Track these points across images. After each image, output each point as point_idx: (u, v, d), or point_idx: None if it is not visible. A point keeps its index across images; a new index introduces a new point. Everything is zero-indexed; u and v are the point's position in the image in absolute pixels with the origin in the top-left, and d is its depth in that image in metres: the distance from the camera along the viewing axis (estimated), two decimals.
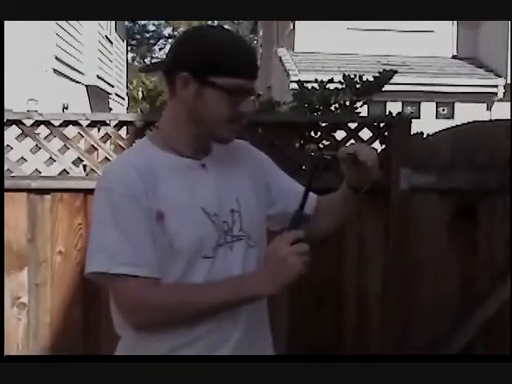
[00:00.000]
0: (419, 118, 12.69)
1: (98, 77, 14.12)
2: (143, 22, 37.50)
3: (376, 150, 1.71)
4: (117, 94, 17.74)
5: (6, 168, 3.54)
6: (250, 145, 1.87)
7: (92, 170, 3.59)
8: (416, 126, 3.70)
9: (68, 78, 11.90)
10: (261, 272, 1.58)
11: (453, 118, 12.95)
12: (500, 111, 12.59)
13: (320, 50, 13.52)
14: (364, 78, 4.11)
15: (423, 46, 13.89)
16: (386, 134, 3.62)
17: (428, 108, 13.30)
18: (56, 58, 10.88)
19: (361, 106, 4.13)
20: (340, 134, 3.64)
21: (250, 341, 1.67)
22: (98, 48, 14.26)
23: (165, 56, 1.70)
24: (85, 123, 3.57)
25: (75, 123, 3.57)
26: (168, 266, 1.58)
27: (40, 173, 3.59)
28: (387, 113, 4.08)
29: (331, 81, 4.14)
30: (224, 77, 1.57)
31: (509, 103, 12.48)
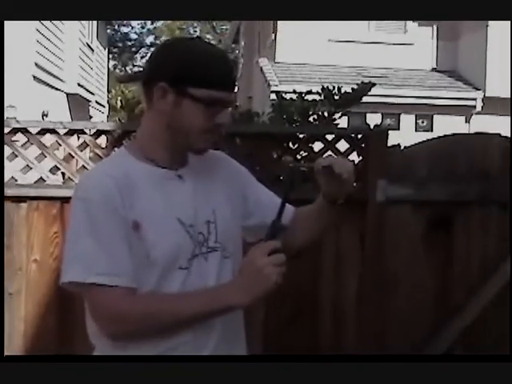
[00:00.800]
0: (399, 129, 12.78)
1: (79, 84, 14.06)
2: (125, 30, 37.52)
3: (352, 162, 1.71)
4: (97, 102, 17.67)
5: None
6: (227, 155, 1.88)
7: (69, 178, 3.58)
8: (395, 138, 3.73)
9: (48, 85, 11.84)
10: (236, 282, 1.58)
11: (432, 130, 13.04)
12: (478, 124, 12.69)
13: (301, 60, 13.57)
14: (342, 90, 4.14)
15: (403, 59, 14.00)
16: (363, 145, 3.64)
17: (407, 120, 13.39)
18: (36, 64, 10.82)
19: (339, 118, 4.15)
20: (318, 146, 3.66)
21: (225, 352, 1.67)
22: (79, 55, 14.20)
23: (144, 66, 1.71)
24: (62, 131, 3.56)
25: (53, 131, 3.55)
26: (143, 275, 1.58)
27: (16, 180, 3.57)
28: (365, 124, 4.11)
29: (310, 92, 4.16)
30: (201, 88, 1.58)
31: (487, 116, 12.62)
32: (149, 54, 1.73)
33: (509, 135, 3.81)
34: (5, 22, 8.85)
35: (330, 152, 3.63)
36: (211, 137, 1.65)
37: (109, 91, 19.47)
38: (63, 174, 3.65)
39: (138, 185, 1.60)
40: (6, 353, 3.49)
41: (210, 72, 1.58)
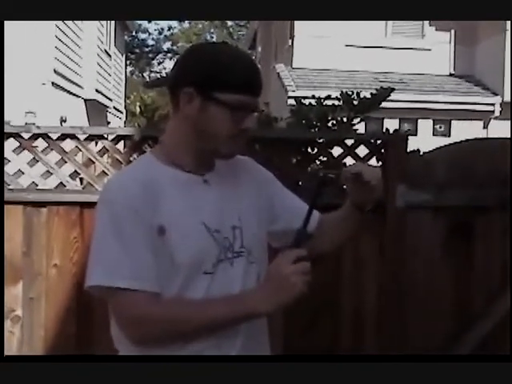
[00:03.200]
0: (416, 135, 12.73)
1: (97, 90, 14.15)
2: (142, 37, 37.66)
3: (379, 169, 1.71)
4: (115, 108, 17.77)
5: None
6: (253, 161, 1.88)
7: (89, 183, 3.59)
8: (413, 143, 3.71)
9: (66, 91, 11.92)
10: (261, 290, 1.58)
11: (449, 135, 12.98)
12: (496, 129, 12.63)
13: (318, 66, 13.57)
14: (361, 95, 4.13)
15: (421, 64, 13.96)
16: (383, 151, 3.62)
17: (425, 125, 13.34)
18: (55, 71, 10.90)
19: (358, 123, 4.14)
20: (337, 151, 3.65)
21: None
22: (96, 62, 14.30)
23: (168, 71, 1.71)
24: (82, 137, 3.58)
25: (73, 137, 3.57)
26: (168, 280, 1.58)
27: (37, 186, 3.59)
28: (384, 130, 4.10)
29: (329, 97, 4.16)
30: (228, 93, 1.58)
31: (505, 121, 12.53)
32: (167, 59, 1.73)
33: None
34: (22, 27, 8.96)
35: (349, 157, 3.63)
36: (237, 142, 1.65)
37: (127, 97, 19.57)
38: (81, 179, 3.67)
39: (163, 189, 1.60)
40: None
41: (237, 77, 1.58)
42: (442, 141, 4.49)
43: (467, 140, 3.89)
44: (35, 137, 3.56)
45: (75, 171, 3.61)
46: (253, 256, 1.69)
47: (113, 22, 16.29)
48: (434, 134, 13.33)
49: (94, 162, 3.61)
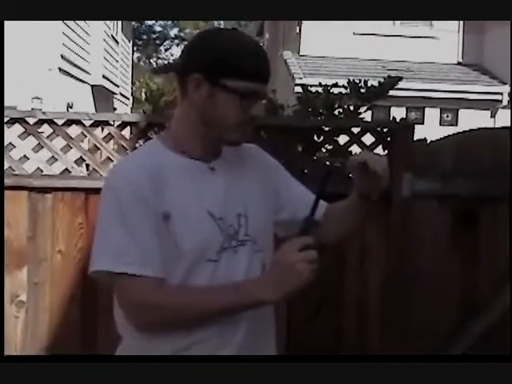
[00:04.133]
0: (423, 123, 12.68)
1: (104, 76, 14.14)
2: (150, 23, 37.57)
3: (386, 158, 1.70)
4: (122, 94, 17.75)
5: (8, 166, 3.55)
6: (260, 148, 1.86)
7: (94, 169, 3.59)
8: (420, 132, 3.69)
9: (73, 77, 11.92)
10: (267, 277, 1.56)
11: (457, 124, 12.93)
12: (504, 118, 12.56)
13: (326, 54, 13.52)
14: (369, 84, 4.10)
15: (428, 53, 13.89)
16: (389, 139, 3.61)
17: (432, 114, 13.28)
18: (62, 56, 10.89)
19: (365, 111, 4.12)
20: (343, 139, 3.64)
21: (252, 347, 1.66)
22: (104, 48, 14.28)
23: (175, 57, 1.70)
24: (88, 123, 3.58)
25: (78, 122, 3.57)
26: (172, 267, 1.57)
27: (42, 171, 3.60)
28: (391, 118, 4.07)
29: (336, 85, 4.13)
30: (237, 80, 1.57)
31: None
32: (174, 46, 1.72)
33: None
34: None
35: (355, 146, 3.61)
36: (245, 129, 1.64)
37: (133, 83, 19.56)
38: (87, 165, 3.67)
39: (169, 176, 1.59)
40: (29, 342, 3.53)
41: (245, 63, 1.57)
42: (449, 130, 4.48)
43: (474, 129, 3.87)
44: (41, 122, 3.56)
45: (80, 157, 3.62)
46: (257, 245, 1.68)
47: None
48: (441, 123, 13.28)
49: (99, 149, 3.61)
